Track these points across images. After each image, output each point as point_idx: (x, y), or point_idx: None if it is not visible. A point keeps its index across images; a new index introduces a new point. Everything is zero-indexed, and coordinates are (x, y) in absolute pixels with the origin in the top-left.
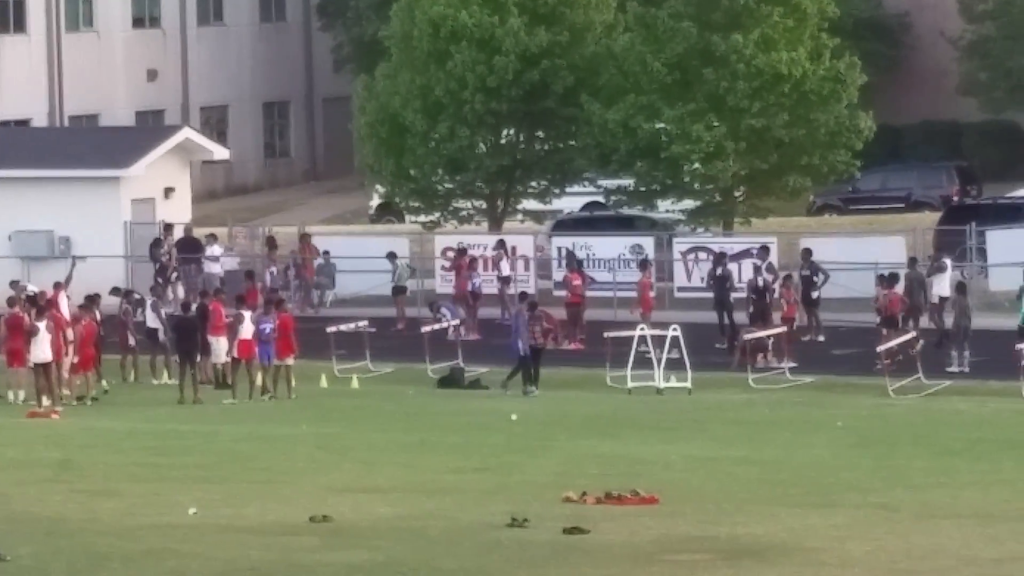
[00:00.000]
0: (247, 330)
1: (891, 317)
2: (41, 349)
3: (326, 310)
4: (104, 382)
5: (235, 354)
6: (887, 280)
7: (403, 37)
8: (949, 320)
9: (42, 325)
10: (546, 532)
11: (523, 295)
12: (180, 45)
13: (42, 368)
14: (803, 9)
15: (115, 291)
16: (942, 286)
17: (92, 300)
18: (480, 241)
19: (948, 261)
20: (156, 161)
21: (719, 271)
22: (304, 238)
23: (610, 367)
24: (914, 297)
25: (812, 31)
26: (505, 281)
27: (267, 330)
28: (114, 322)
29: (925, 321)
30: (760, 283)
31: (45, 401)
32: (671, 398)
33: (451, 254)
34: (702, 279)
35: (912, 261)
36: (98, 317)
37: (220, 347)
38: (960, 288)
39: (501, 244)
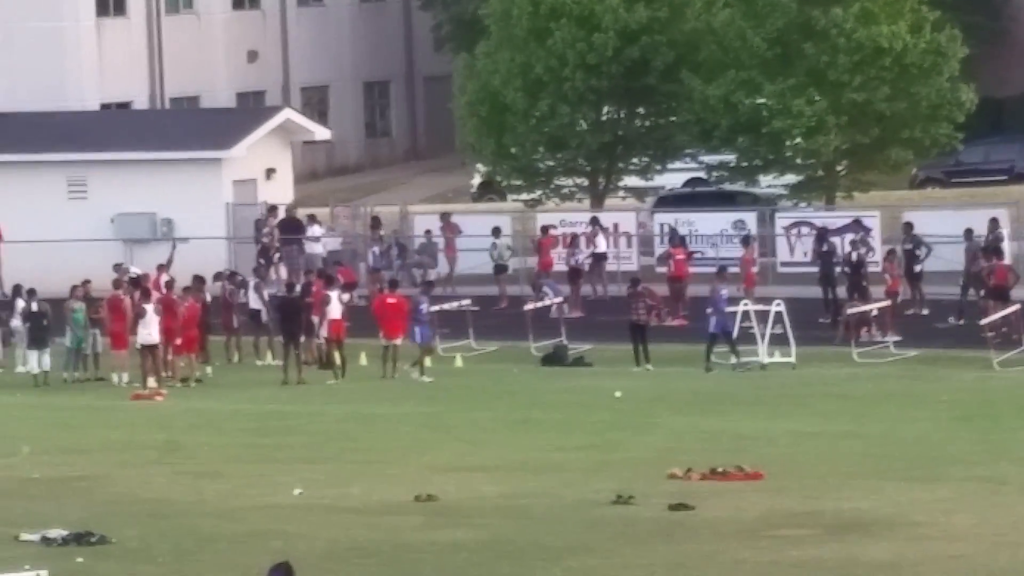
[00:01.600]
0: (335, 310)
1: (998, 288)
2: (149, 331)
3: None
4: (209, 368)
5: (326, 334)
6: (993, 251)
7: (503, 15)
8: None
9: (149, 307)
10: (651, 509)
11: (634, 280)
12: (280, 26)
13: (149, 350)
14: None
15: (219, 276)
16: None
17: (199, 282)
18: (582, 219)
19: (1004, 231)
20: (257, 142)
21: (824, 247)
22: (444, 216)
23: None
24: (970, 267)
25: (912, 4)
26: (600, 258)
27: (424, 310)
28: (218, 304)
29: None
30: (854, 257)
31: (151, 383)
32: (775, 373)
33: (553, 232)
34: (805, 254)
35: (968, 233)
36: (206, 299)
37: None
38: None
39: (595, 221)
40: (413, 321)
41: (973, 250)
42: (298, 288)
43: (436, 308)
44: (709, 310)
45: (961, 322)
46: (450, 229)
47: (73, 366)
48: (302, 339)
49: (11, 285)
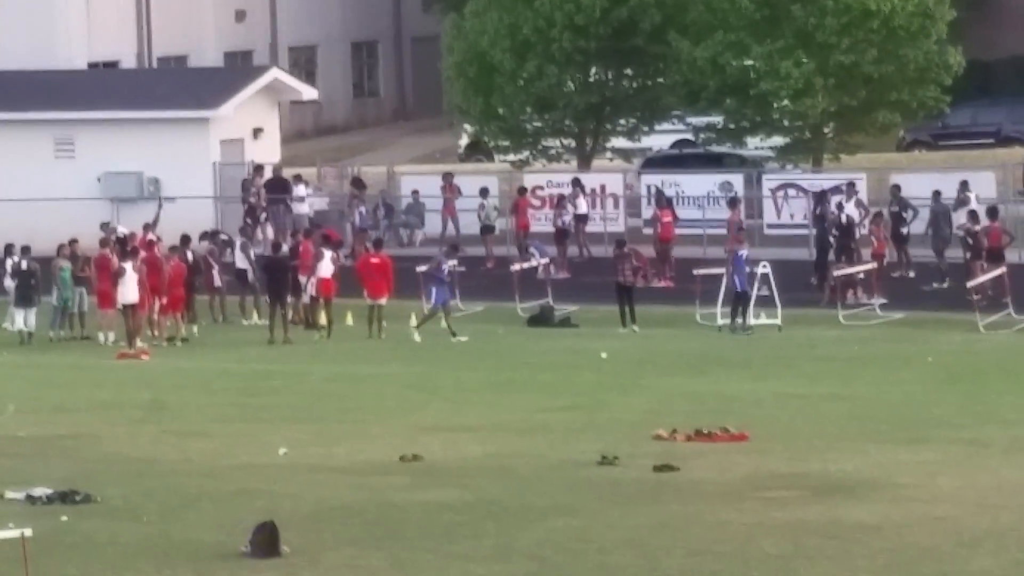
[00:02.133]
0: (326, 268)
1: (993, 250)
2: (129, 289)
3: (415, 249)
4: (195, 327)
5: (314, 292)
6: (989, 213)
7: None
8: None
9: (128, 266)
10: (636, 470)
11: (620, 242)
12: None
13: (129, 309)
14: None
15: (204, 235)
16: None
17: (183, 241)
18: (569, 180)
19: (972, 194)
20: (245, 102)
21: (818, 210)
22: (447, 177)
23: (700, 305)
24: (940, 230)
25: None
26: (581, 219)
27: (446, 271)
28: (202, 263)
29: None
30: (843, 219)
31: (139, 343)
32: (761, 335)
33: (540, 192)
34: (792, 216)
35: (936, 195)
36: (189, 258)
37: (309, 287)
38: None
39: (576, 182)
40: (433, 282)
41: (940, 211)
42: (285, 248)
43: (423, 269)
44: (729, 270)
45: (945, 285)
46: (451, 190)
47: (59, 325)
48: (289, 299)
49: (1, 244)
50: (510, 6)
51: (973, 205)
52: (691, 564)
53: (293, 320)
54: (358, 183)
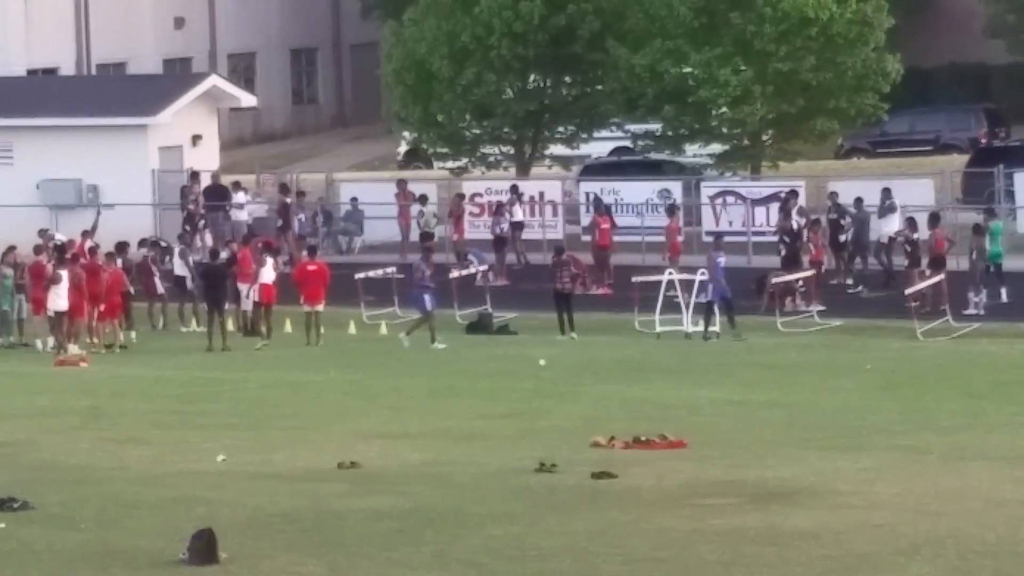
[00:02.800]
0: (268, 275)
1: (937, 257)
2: (60, 297)
3: (354, 256)
4: (133, 334)
5: (256, 298)
6: (931, 220)
7: None
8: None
9: (64, 274)
10: (574, 477)
11: (558, 249)
12: None
13: (59, 316)
14: None
15: (143, 243)
16: (892, 226)
17: (119, 248)
18: (507, 187)
19: (897, 201)
20: (183, 109)
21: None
22: (401, 184)
23: (638, 312)
24: (861, 238)
25: None
26: (517, 226)
27: (428, 275)
28: (140, 270)
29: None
30: (794, 226)
31: (73, 348)
32: (699, 342)
33: (478, 200)
34: (730, 223)
35: (859, 201)
36: (121, 265)
37: (248, 294)
38: (977, 229)
39: (514, 189)
40: (419, 288)
41: (862, 219)
42: (224, 255)
43: (361, 275)
44: (705, 278)
45: (860, 290)
46: (405, 196)
47: (1, 332)
48: (228, 306)
49: None
50: (449, 13)
51: (898, 212)
52: (630, 571)
53: (239, 328)
54: (284, 189)
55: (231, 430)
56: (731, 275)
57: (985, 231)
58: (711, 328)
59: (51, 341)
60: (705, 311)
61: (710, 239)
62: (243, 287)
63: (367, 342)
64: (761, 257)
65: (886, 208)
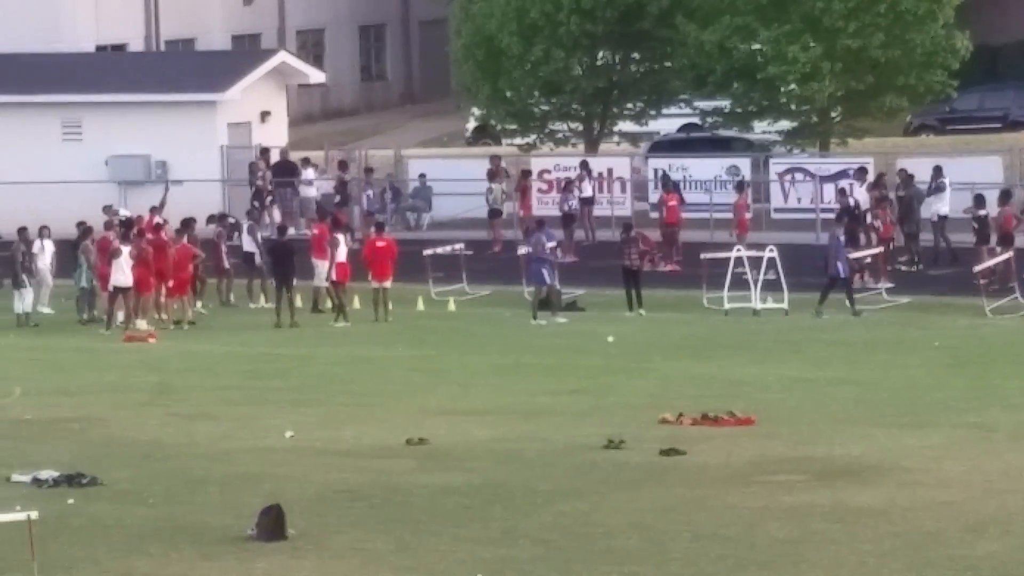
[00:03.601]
0: (343, 253)
1: (1006, 234)
2: (123, 272)
3: (423, 233)
4: (199, 304)
5: (334, 277)
6: (1001, 197)
7: None
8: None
9: (125, 249)
10: (642, 454)
11: (627, 226)
12: None
13: (121, 292)
14: None
15: (211, 219)
16: (941, 204)
17: (187, 224)
18: (576, 164)
19: (947, 180)
20: (252, 85)
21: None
22: (494, 159)
23: (707, 288)
24: (913, 214)
25: None
26: (587, 202)
27: (547, 249)
28: (210, 246)
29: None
30: (852, 203)
31: (140, 324)
32: (767, 319)
33: (547, 176)
34: (799, 200)
35: (910, 178)
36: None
37: (321, 270)
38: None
39: (584, 165)
40: (536, 262)
41: (913, 195)
42: (292, 231)
43: (430, 252)
44: (828, 255)
45: (915, 268)
46: (498, 172)
47: (87, 306)
48: (294, 282)
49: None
50: None
51: (947, 191)
52: (697, 548)
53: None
54: (344, 165)
55: (299, 406)
56: (799, 252)
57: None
58: (713, 305)
59: (120, 316)
60: (826, 286)
61: (776, 216)
62: (317, 263)
63: (435, 318)
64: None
65: (935, 187)
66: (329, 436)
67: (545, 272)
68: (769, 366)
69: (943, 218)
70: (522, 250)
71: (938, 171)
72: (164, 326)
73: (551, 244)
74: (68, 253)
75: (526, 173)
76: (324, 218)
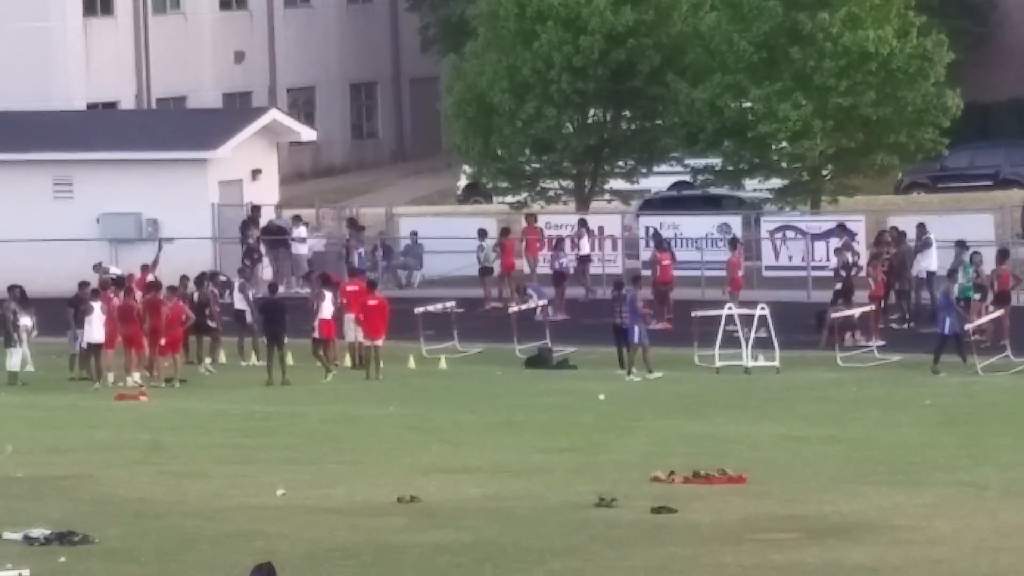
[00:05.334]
0: (327, 310)
1: (1003, 292)
2: (95, 329)
3: (413, 291)
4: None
5: (315, 335)
6: (999, 256)
7: (490, 17)
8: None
9: (96, 306)
10: (634, 511)
11: (618, 284)
12: (267, 26)
13: (94, 348)
14: None
15: (201, 277)
16: (929, 261)
17: (184, 282)
18: (567, 221)
19: (932, 236)
20: (243, 143)
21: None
22: (529, 218)
23: (698, 346)
24: (905, 272)
25: (899, 9)
26: (585, 260)
27: (640, 304)
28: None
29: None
30: (850, 260)
31: (132, 379)
32: (759, 377)
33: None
34: (790, 258)
35: (901, 236)
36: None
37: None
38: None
39: (583, 223)
40: (632, 317)
41: (905, 252)
42: (282, 289)
43: (421, 310)
44: (941, 312)
45: (906, 326)
46: (532, 230)
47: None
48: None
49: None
50: (509, 47)
51: (933, 248)
52: None
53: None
54: (354, 224)
55: (290, 464)
56: (790, 310)
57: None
58: (704, 364)
59: (111, 376)
60: (938, 343)
61: (767, 274)
62: (349, 317)
63: (426, 376)
64: (821, 292)
65: (922, 244)
66: (321, 494)
67: (637, 330)
68: (760, 424)
69: (931, 274)
70: (513, 308)
71: (922, 228)
72: (155, 384)
73: (542, 302)
74: (58, 311)
75: (505, 231)
76: (308, 276)
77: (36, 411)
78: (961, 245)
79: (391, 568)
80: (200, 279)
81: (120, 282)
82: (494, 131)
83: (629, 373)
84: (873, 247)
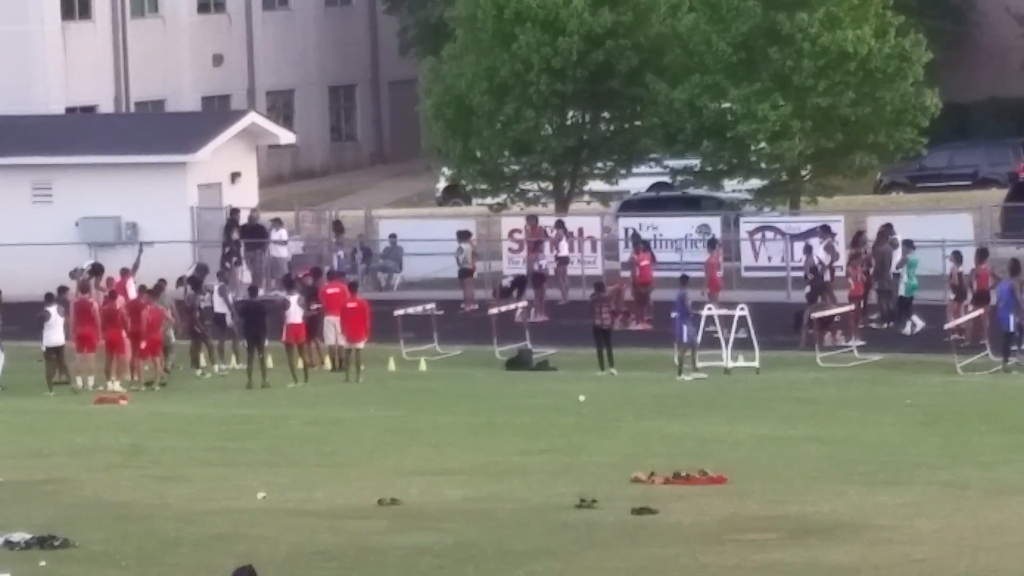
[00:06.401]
0: (295, 314)
1: (981, 292)
2: (53, 333)
3: (393, 293)
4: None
5: (283, 339)
6: (978, 255)
7: (468, 19)
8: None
9: (53, 310)
10: (614, 512)
11: (598, 285)
12: (245, 30)
13: (54, 352)
14: None
15: (180, 281)
16: (895, 262)
17: (159, 286)
18: (546, 223)
19: (899, 237)
20: (222, 146)
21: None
22: (531, 219)
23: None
24: (885, 271)
25: (877, 9)
26: (563, 261)
27: (689, 305)
28: (182, 308)
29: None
30: (816, 262)
31: (113, 385)
32: (739, 377)
33: (517, 236)
34: (769, 259)
35: (888, 231)
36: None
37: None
38: (1015, 265)
39: (560, 224)
40: (681, 318)
41: (885, 253)
42: (262, 292)
43: (401, 312)
44: (1003, 309)
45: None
46: (535, 231)
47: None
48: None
49: None
50: (487, 49)
51: (900, 248)
52: None
53: (311, 363)
54: (338, 227)
55: (271, 467)
56: (770, 310)
57: (1021, 268)
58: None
59: (91, 380)
60: (1004, 341)
61: (747, 274)
62: (329, 321)
63: (406, 378)
64: (800, 292)
65: (889, 244)
66: (302, 497)
67: (686, 329)
68: (741, 424)
69: (896, 275)
70: (492, 310)
71: (888, 228)
72: (135, 387)
73: (523, 304)
74: (35, 314)
75: (463, 234)
76: (333, 276)
77: (16, 415)
78: (908, 244)
79: (373, 570)
80: (180, 281)
81: (99, 269)
82: (473, 133)
83: (680, 373)
84: (851, 247)
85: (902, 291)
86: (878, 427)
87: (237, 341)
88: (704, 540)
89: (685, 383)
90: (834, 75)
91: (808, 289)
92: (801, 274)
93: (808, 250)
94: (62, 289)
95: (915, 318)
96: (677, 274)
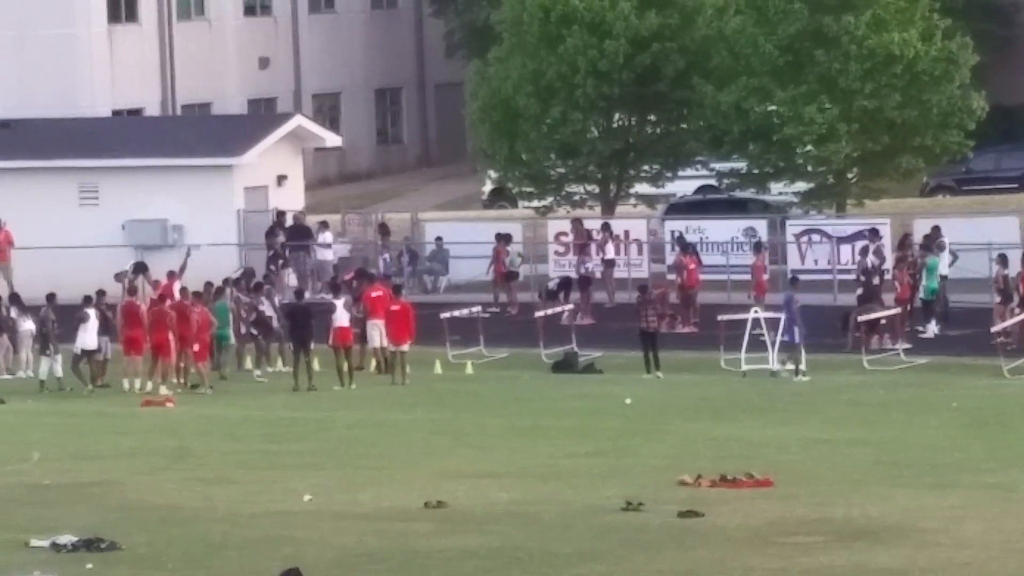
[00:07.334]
0: (342, 317)
1: None
2: (88, 336)
3: (439, 296)
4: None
5: (330, 342)
6: None
7: (514, 22)
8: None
9: (91, 312)
10: (661, 516)
11: (643, 288)
12: (292, 33)
13: (88, 355)
14: None
15: (225, 283)
16: (943, 265)
17: (210, 288)
18: (592, 226)
19: (947, 240)
20: (268, 149)
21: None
22: (576, 222)
23: (724, 350)
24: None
25: (923, 11)
26: (609, 264)
27: (796, 307)
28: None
29: None
30: (869, 264)
31: (162, 388)
32: (785, 380)
33: (564, 239)
34: (815, 261)
35: (936, 232)
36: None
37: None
38: None
39: (606, 227)
40: (790, 319)
41: (917, 256)
42: (316, 295)
43: (447, 315)
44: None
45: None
46: (580, 235)
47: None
48: (312, 345)
49: (9, 293)
50: (534, 52)
51: (947, 251)
52: None
53: (358, 367)
54: (385, 229)
55: (317, 470)
56: (818, 313)
57: None
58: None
59: (138, 382)
60: None
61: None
62: (373, 324)
63: (453, 381)
64: (846, 295)
65: (936, 247)
66: (348, 499)
67: (796, 330)
68: (787, 427)
69: (943, 278)
70: (539, 313)
71: (936, 231)
72: (182, 391)
73: (569, 307)
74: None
75: (499, 237)
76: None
77: (62, 418)
78: (926, 247)
79: (419, 573)
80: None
81: (142, 268)
82: (519, 136)
83: (796, 375)
84: (898, 250)
85: (921, 294)
86: (924, 430)
87: (283, 344)
88: (750, 543)
89: (785, 381)
90: (880, 78)
91: (860, 291)
92: (848, 277)
93: (864, 251)
94: (100, 292)
95: (933, 323)
96: (723, 277)
